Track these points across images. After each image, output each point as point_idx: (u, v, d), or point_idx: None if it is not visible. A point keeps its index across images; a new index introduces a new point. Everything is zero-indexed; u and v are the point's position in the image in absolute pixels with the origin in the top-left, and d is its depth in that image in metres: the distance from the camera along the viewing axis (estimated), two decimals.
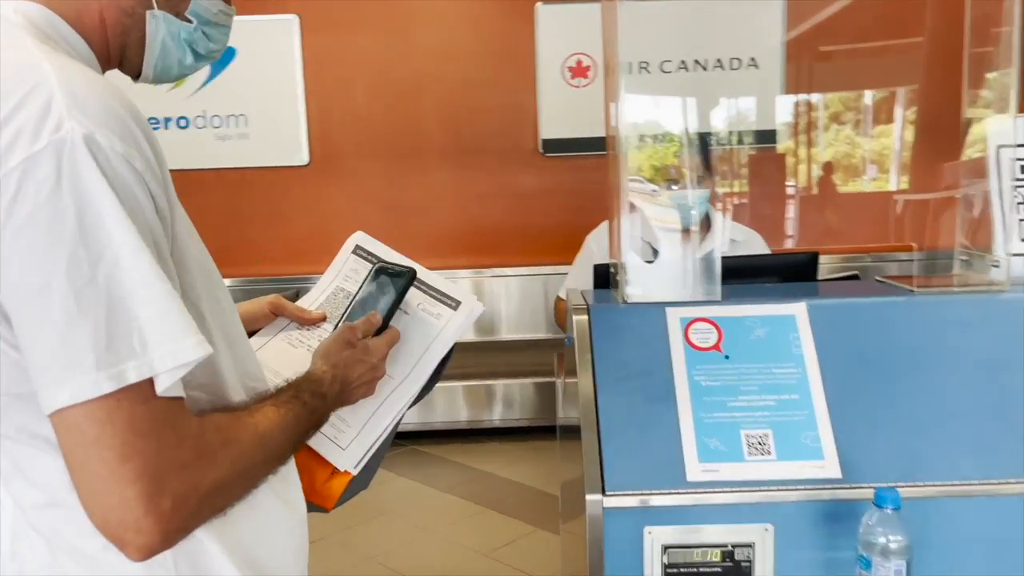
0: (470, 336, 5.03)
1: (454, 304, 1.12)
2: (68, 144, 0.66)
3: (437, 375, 1.15)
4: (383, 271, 1.12)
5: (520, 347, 4.86)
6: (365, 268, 1.19)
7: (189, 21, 0.88)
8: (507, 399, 4.36)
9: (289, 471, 0.92)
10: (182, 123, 4.80)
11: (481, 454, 4.05)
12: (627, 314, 1.37)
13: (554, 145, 4.84)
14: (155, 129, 4.78)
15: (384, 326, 1.06)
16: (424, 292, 1.14)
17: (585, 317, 1.34)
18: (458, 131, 4.87)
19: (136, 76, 0.90)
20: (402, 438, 4.15)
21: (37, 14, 0.79)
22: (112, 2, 0.82)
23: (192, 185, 4.80)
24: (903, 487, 1.15)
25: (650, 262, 1.48)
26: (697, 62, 4.71)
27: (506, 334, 5.03)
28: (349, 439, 1.04)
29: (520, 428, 4.25)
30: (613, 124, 1.45)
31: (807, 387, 1.27)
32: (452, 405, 4.33)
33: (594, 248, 2.32)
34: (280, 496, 0.88)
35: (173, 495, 0.68)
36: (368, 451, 1.04)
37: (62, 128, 0.66)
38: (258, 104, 4.80)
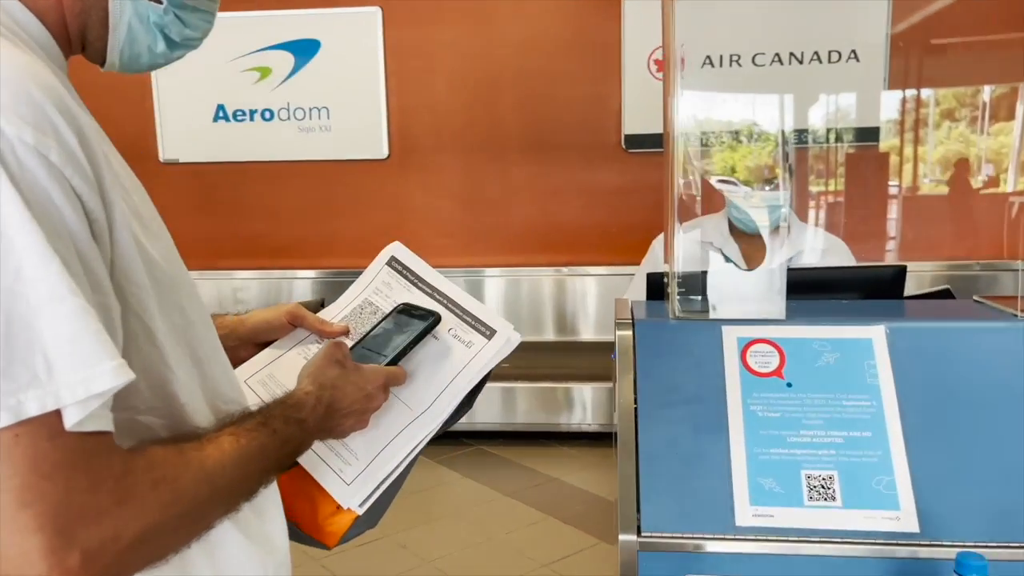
0: (548, 336, 4.92)
1: (488, 332, 1.01)
2: None
3: (465, 406, 1.03)
4: (406, 311, 1.03)
5: (599, 349, 4.71)
6: (398, 282, 1.09)
7: (159, 2, 0.79)
8: (582, 403, 4.23)
9: (266, 504, 0.82)
10: (267, 115, 4.86)
11: (550, 459, 3.94)
12: (677, 331, 1.23)
13: (638, 141, 4.67)
14: (240, 121, 4.87)
15: (392, 364, 0.96)
16: (458, 316, 1.03)
17: (629, 332, 1.21)
18: (539, 125, 4.76)
19: (102, 63, 0.81)
20: (469, 438, 4.08)
21: None
22: None
23: (275, 177, 4.90)
24: (991, 548, 0.98)
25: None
26: (793, 55, 4.45)
27: (585, 335, 4.90)
28: (355, 473, 0.94)
29: (593, 433, 4.11)
30: (670, 122, 1.31)
31: (882, 424, 1.11)
32: (524, 406, 4.23)
33: (659, 253, 2.18)
34: (248, 533, 0.78)
35: (84, 549, 0.58)
36: (376, 489, 0.93)
37: None
38: (340, 97, 4.81)
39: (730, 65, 4.53)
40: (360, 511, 0.93)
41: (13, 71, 0.61)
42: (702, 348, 1.18)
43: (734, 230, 2.05)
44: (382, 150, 4.84)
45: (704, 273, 1.33)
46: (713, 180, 2.21)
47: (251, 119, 4.87)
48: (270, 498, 0.83)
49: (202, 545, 0.71)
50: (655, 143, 4.62)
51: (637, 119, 4.64)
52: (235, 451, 0.72)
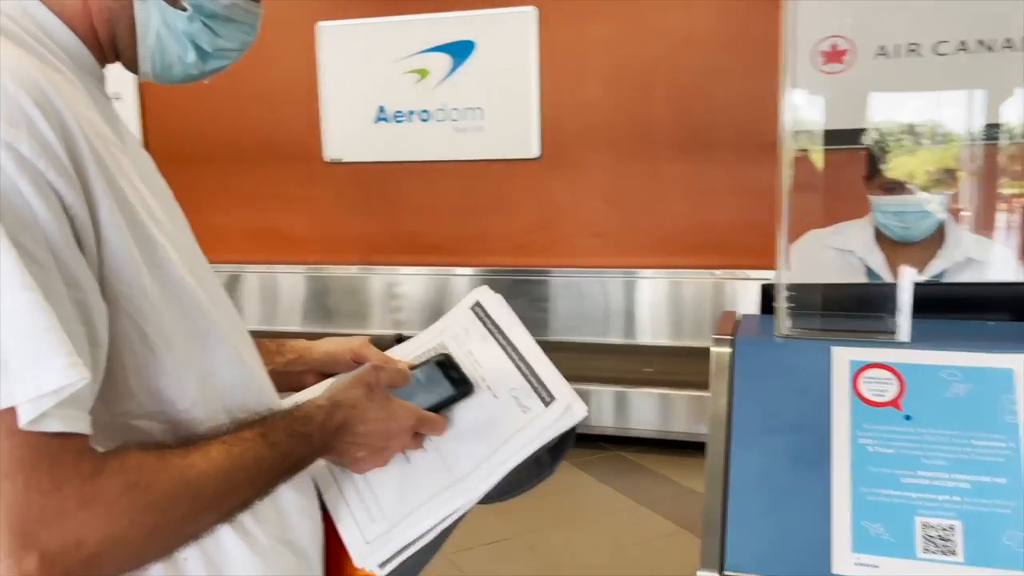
0: (702, 342, 4.74)
1: (547, 400, 0.91)
2: None
3: (545, 468, 0.96)
4: (443, 365, 0.95)
5: None
6: (476, 329, 1.02)
7: (183, 9, 0.77)
8: None
9: (287, 510, 0.80)
10: (424, 116, 4.99)
11: (691, 469, 3.79)
12: (782, 350, 1.12)
13: (809, 138, 4.39)
14: (399, 122, 5.03)
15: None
16: (524, 377, 0.95)
17: (728, 350, 1.11)
18: (692, 122, 4.59)
19: (137, 71, 0.80)
20: (607, 442, 4.00)
21: None
22: None
23: (430, 176, 5.03)
24: None
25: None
26: (981, 42, 4.02)
27: None
28: (377, 532, 0.87)
29: None
30: (783, 120, 1.20)
31: (1019, 469, 0.95)
32: (671, 413, 4.10)
33: (794, 263, 2.00)
34: (251, 543, 0.75)
35: (43, 551, 0.58)
36: (399, 553, 0.86)
37: None
38: (494, 97, 4.86)
39: (907, 55, 4.16)
40: (380, 573, 0.85)
41: None
42: (808, 370, 1.07)
43: (880, 238, 1.86)
44: (533, 149, 4.85)
45: (823, 286, 1.21)
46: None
47: (409, 120, 5.02)
48: (293, 504, 0.81)
49: (198, 551, 0.70)
50: (821, 140, 4.33)
51: (805, 115, 4.37)
52: (224, 460, 0.70)
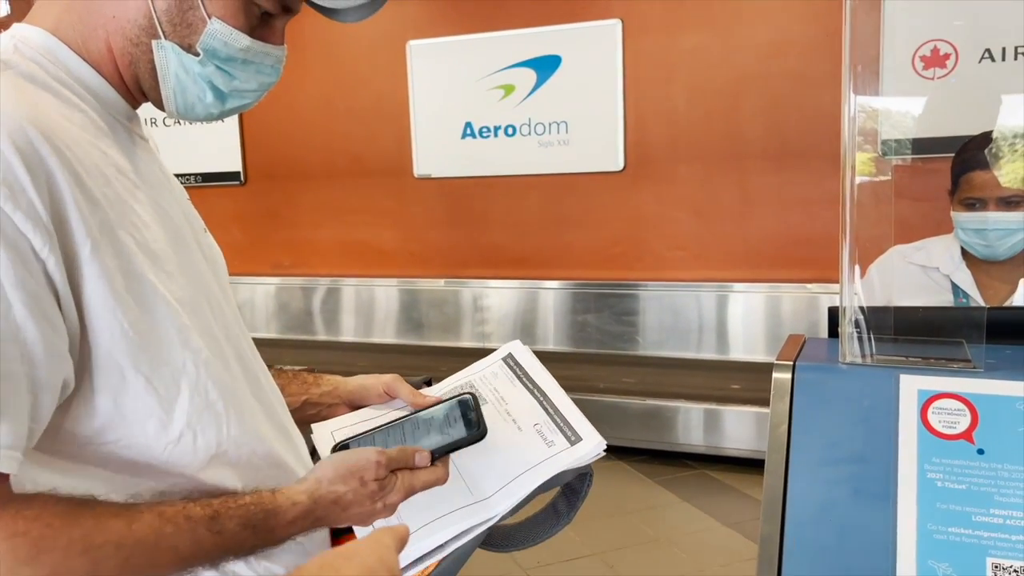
0: None
1: (574, 438, 0.97)
2: None
3: (563, 516, 1.03)
4: (463, 405, 0.96)
5: None
6: (506, 377, 1.08)
7: (195, 54, 0.78)
8: None
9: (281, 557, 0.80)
10: (509, 131, 5.03)
11: None
12: (846, 377, 1.07)
13: (897, 147, 4.21)
14: (485, 138, 5.08)
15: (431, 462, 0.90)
16: (548, 414, 1.01)
17: (787, 376, 1.07)
18: (783, 132, 4.47)
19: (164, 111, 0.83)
20: (693, 460, 3.91)
21: (36, 40, 0.76)
22: (118, 30, 0.76)
23: (516, 190, 5.06)
24: None
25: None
26: None
27: None
28: None
29: None
30: (844, 130, 1.16)
31: None
32: (758, 432, 3.98)
33: (875, 281, 1.90)
34: None
35: None
36: (415, 563, 0.87)
37: None
38: (579, 111, 4.86)
39: (1015, 58, 3.94)
40: None
41: None
42: (873, 399, 1.02)
43: (968, 255, 1.76)
44: (618, 162, 4.82)
45: (894, 309, 1.16)
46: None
47: (495, 135, 5.07)
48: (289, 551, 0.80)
49: None
50: (921, 148, 4.14)
51: (896, 122, 4.19)
52: (148, 535, 0.67)
